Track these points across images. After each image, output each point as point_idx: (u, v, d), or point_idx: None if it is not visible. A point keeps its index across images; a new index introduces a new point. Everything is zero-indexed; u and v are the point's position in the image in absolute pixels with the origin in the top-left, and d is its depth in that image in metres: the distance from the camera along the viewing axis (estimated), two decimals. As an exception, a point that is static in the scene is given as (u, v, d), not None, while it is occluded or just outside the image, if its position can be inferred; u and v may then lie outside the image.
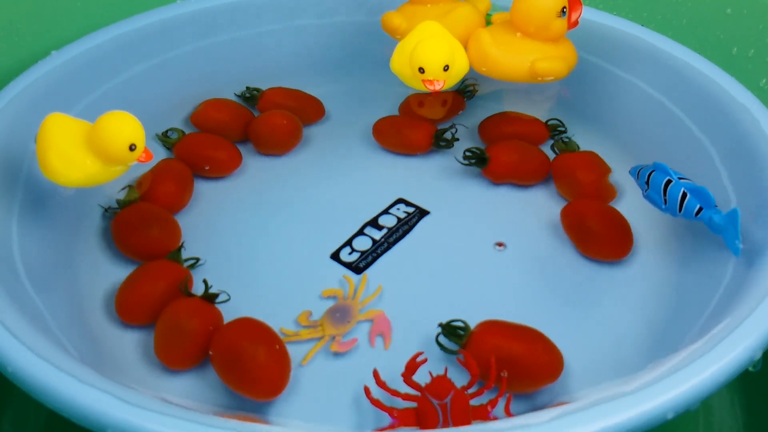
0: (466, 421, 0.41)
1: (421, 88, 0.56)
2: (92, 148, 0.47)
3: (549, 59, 0.56)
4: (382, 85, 0.67)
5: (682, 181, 0.49)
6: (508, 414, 0.42)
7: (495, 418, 0.42)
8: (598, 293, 0.51)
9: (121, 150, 0.47)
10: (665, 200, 0.49)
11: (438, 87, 0.55)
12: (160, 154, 0.61)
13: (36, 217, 0.51)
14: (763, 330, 0.40)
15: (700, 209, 0.48)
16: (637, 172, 0.52)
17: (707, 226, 0.48)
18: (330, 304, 0.50)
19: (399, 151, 0.62)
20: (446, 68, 0.54)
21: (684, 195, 0.48)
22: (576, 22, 0.56)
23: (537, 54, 0.56)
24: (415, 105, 0.64)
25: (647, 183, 0.51)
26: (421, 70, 0.54)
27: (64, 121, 0.48)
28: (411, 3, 0.61)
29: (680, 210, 0.49)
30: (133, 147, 0.47)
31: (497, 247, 0.53)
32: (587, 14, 0.61)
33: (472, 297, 0.51)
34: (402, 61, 0.56)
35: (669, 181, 0.49)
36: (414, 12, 0.60)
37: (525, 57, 0.57)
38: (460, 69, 0.56)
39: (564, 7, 0.55)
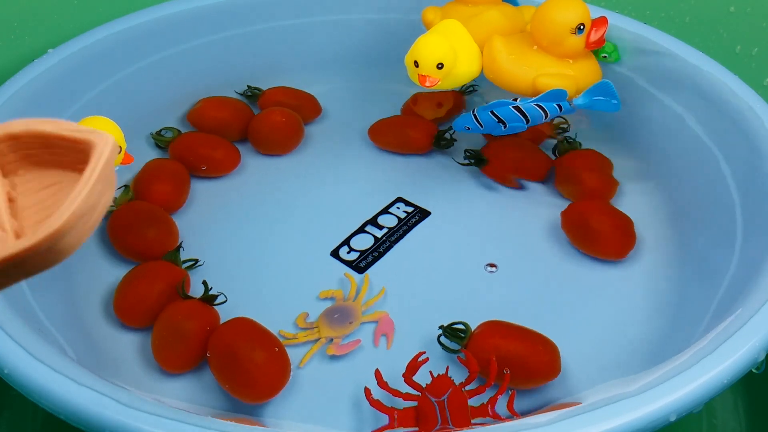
0: (465, 418, 0.41)
1: (418, 83, 0.55)
2: None
3: (552, 76, 0.54)
4: (382, 84, 0.67)
5: (523, 99, 0.53)
6: (512, 412, 0.42)
7: (498, 416, 0.41)
8: (599, 294, 0.51)
9: None
10: (527, 120, 0.53)
11: (429, 84, 0.53)
12: (155, 153, 0.61)
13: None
14: (767, 332, 0.39)
15: (560, 106, 0.53)
16: (474, 121, 0.54)
17: (572, 113, 0.54)
18: (329, 304, 0.50)
19: (398, 151, 0.62)
20: (440, 66, 0.53)
21: (539, 106, 0.52)
22: (598, 42, 0.54)
23: (546, 69, 0.54)
24: (411, 100, 0.64)
25: (500, 122, 0.54)
26: (416, 65, 0.53)
27: None
28: (455, 2, 0.60)
29: (546, 118, 0.53)
30: (119, 150, 0.47)
31: (489, 268, 0.53)
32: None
33: (473, 297, 0.50)
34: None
35: (516, 107, 0.53)
36: (450, 10, 0.59)
37: (531, 70, 0.54)
38: (463, 72, 0.55)
39: (581, 25, 0.53)
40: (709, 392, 0.37)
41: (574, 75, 0.54)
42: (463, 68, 0.55)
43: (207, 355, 0.45)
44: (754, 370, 0.39)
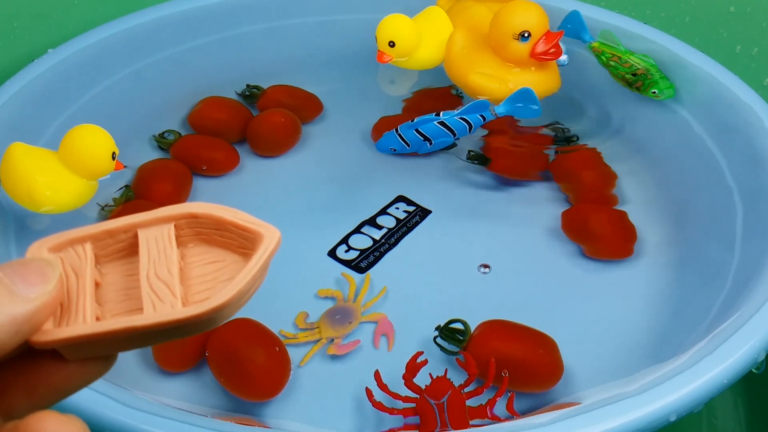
0: (463, 420, 0.41)
1: None
2: (73, 167, 0.48)
3: (485, 76, 0.54)
4: (382, 83, 0.67)
5: (445, 114, 0.53)
6: (512, 412, 0.42)
7: (497, 417, 0.41)
8: (600, 294, 0.51)
9: (106, 160, 0.48)
10: (454, 134, 0.53)
11: (384, 60, 0.56)
12: (157, 155, 0.61)
13: (33, 219, 0.51)
14: (767, 332, 0.39)
15: (483, 117, 0.53)
16: (399, 140, 0.55)
17: (492, 119, 0.53)
18: (327, 304, 0.50)
19: (399, 151, 0.62)
20: (391, 44, 0.55)
21: (462, 118, 0.53)
22: (551, 54, 0.52)
23: (483, 69, 0.55)
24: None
25: (426, 140, 0.54)
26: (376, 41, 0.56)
27: (30, 151, 0.48)
28: None
29: (470, 130, 0.53)
30: (114, 155, 0.48)
31: (482, 268, 0.53)
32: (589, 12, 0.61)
33: (472, 298, 0.50)
34: None
35: (441, 122, 0.53)
36: (458, 1, 0.61)
37: (472, 67, 0.55)
38: (425, 56, 0.57)
39: (525, 32, 0.52)
40: (709, 392, 0.37)
41: (510, 81, 0.54)
42: (425, 53, 0.57)
43: (206, 354, 0.45)
44: (754, 370, 0.39)
